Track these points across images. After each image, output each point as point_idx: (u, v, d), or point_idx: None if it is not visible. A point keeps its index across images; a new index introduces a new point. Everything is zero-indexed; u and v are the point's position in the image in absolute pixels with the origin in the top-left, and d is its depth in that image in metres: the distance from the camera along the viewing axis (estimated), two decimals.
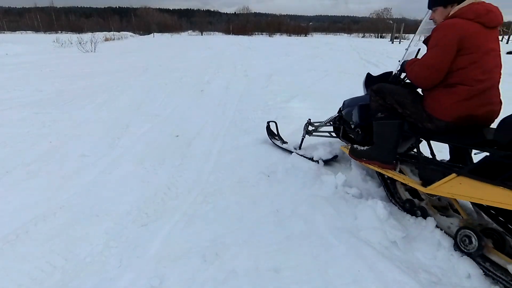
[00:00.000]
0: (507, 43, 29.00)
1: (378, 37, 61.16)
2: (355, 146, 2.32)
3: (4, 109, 4.48)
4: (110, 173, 2.67)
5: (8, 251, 1.74)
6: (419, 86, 1.87)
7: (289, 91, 5.94)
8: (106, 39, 26.97)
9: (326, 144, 2.95)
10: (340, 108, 2.68)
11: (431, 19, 1.89)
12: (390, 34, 36.01)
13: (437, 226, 1.78)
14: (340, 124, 2.70)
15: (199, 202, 2.23)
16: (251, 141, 3.42)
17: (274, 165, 2.78)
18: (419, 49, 2.16)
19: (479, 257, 1.51)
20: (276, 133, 3.37)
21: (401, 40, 32.96)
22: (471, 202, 1.65)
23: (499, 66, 1.69)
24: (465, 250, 1.57)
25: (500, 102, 1.71)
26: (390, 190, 2.14)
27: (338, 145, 2.83)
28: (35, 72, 8.05)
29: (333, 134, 2.91)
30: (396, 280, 1.45)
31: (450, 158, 1.96)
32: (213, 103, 5.15)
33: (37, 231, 1.90)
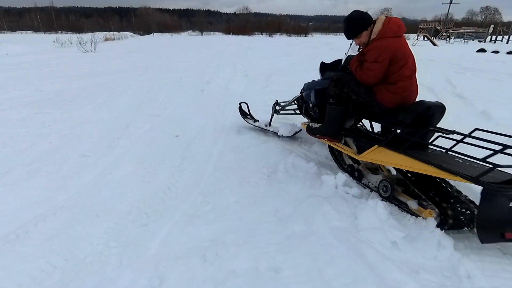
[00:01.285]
0: (507, 43, 29.00)
1: None
2: (310, 124, 2.84)
3: (4, 109, 4.48)
4: (110, 173, 2.67)
5: (8, 251, 1.73)
6: (364, 84, 2.31)
7: (289, 91, 5.93)
8: (106, 39, 26.98)
9: (290, 122, 3.51)
10: (301, 90, 3.18)
11: (357, 45, 2.40)
12: None
13: (369, 183, 2.36)
14: (302, 103, 3.22)
15: (199, 202, 2.23)
16: (251, 141, 3.42)
17: (274, 165, 2.79)
18: (351, 45, 2.66)
19: (393, 198, 2.11)
20: (248, 112, 3.90)
21: None
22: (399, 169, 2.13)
23: (415, 65, 2.26)
24: (384, 195, 2.17)
25: (417, 91, 2.31)
26: (335, 155, 2.79)
27: (300, 124, 3.30)
28: (35, 72, 8.05)
29: (297, 112, 3.45)
30: (396, 280, 1.45)
31: (381, 132, 2.46)
32: (213, 103, 5.15)
33: (37, 231, 1.90)
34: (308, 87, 3.03)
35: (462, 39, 36.72)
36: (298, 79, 7.35)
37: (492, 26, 33.72)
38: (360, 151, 2.37)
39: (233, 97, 5.49)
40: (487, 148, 1.68)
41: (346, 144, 2.59)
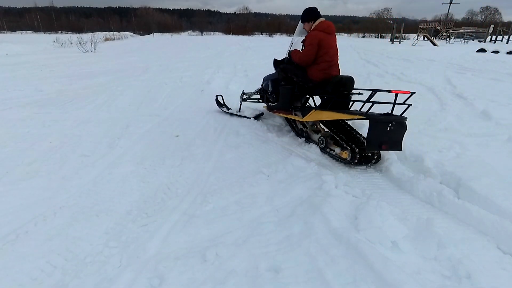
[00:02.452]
0: (507, 43, 29.01)
1: (378, 37, 61.14)
2: (269, 104, 3.94)
3: (4, 109, 4.48)
4: (110, 173, 2.67)
5: (8, 251, 1.73)
6: (301, 65, 3.27)
7: None
8: (106, 39, 26.99)
9: (255, 108, 4.51)
10: (261, 83, 4.17)
11: (304, 28, 3.38)
12: (390, 34, 35.98)
13: (313, 140, 3.33)
14: (263, 93, 4.20)
15: (199, 202, 2.23)
16: (251, 141, 3.43)
17: (274, 164, 2.78)
18: (291, 43, 3.74)
19: (327, 148, 3.04)
20: (222, 103, 4.79)
21: (401, 40, 32.96)
22: (322, 123, 3.25)
23: (337, 54, 3.23)
24: (321, 147, 3.12)
25: (339, 71, 3.26)
26: (292, 125, 3.76)
27: (262, 108, 4.36)
28: (35, 72, 8.05)
29: (260, 100, 4.43)
30: (396, 280, 1.45)
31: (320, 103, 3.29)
32: (213, 103, 5.16)
33: (37, 231, 1.90)
34: (265, 79, 4.05)
35: (462, 39, 36.71)
36: None
37: (492, 26, 33.73)
38: (303, 116, 3.30)
39: (233, 97, 5.49)
40: (380, 102, 2.59)
41: (296, 115, 3.51)
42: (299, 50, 3.36)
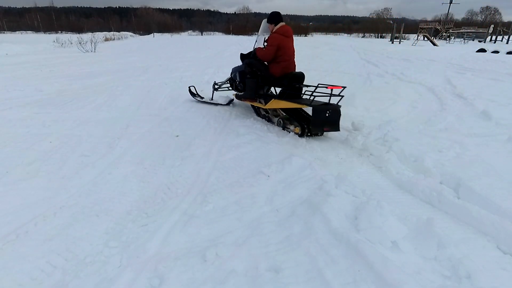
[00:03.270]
0: (507, 43, 29.00)
1: (378, 37, 61.13)
2: (238, 93, 4.64)
3: (4, 109, 4.48)
4: (110, 173, 2.67)
5: (8, 251, 1.73)
6: (264, 61, 4.05)
7: None
8: (106, 39, 26.99)
9: (226, 96, 5.12)
10: (230, 73, 4.80)
11: (270, 29, 4.04)
12: (390, 34, 36.00)
13: (274, 122, 4.09)
14: (232, 82, 4.80)
15: (199, 202, 2.23)
16: (251, 141, 3.43)
17: (274, 164, 2.78)
18: (256, 41, 4.55)
19: (284, 127, 3.82)
20: (196, 93, 5.34)
21: (401, 40, 32.95)
22: (281, 109, 3.94)
23: (293, 54, 4.01)
24: (280, 126, 3.91)
25: (295, 67, 4.06)
26: (257, 110, 4.51)
27: (231, 96, 4.97)
28: (35, 72, 8.05)
29: (230, 88, 5.03)
30: (396, 280, 1.45)
31: (279, 93, 4.07)
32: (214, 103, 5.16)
33: (37, 231, 1.90)
34: (234, 70, 4.68)
35: (462, 39, 36.71)
36: None
37: (492, 26, 33.73)
38: (266, 103, 4.02)
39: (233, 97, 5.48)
40: (323, 93, 3.42)
41: (260, 102, 4.25)
42: (262, 48, 4.04)
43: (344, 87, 3.43)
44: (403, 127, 3.73)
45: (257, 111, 4.49)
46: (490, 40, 32.70)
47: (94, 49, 15.28)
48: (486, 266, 1.61)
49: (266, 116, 4.24)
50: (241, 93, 4.47)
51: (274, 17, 3.95)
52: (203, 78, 7.28)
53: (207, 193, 2.35)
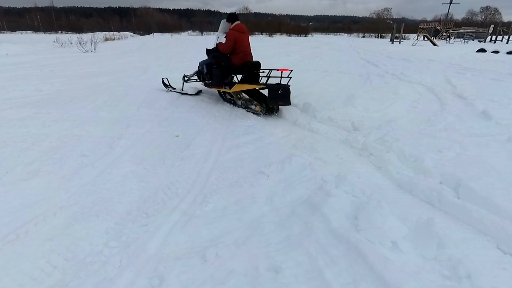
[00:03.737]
0: (507, 43, 29.00)
1: (378, 37, 61.14)
2: (206, 82, 5.35)
3: (4, 109, 4.47)
4: (110, 173, 2.67)
5: (8, 251, 1.73)
6: (224, 53, 4.70)
7: None
8: (106, 39, 26.98)
9: (194, 87, 5.73)
10: (198, 67, 5.50)
11: (229, 27, 4.77)
12: (390, 34, 35.99)
13: (238, 104, 4.84)
14: (200, 74, 5.54)
15: (199, 202, 2.23)
16: (251, 141, 3.43)
17: (274, 164, 2.78)
18: (218, 37, 5.22)
19: (247, 107, 4.64)
20: (168, 84, 5.99)
21: (401, 40, 32.94)
22: (243, 92, 4.73)
23: (249, 46, 4.78)
24: (243, 107, 4.71)
25: (252, 57, 4.82)
26: (222, 96, 5.24)
27: (200, 86, 5.82)
28: (35, 72, 8.05)
29: (198, 80, 5.75)
30: (396, 280, 1.45)
31: (241, 78, 4.83)
32: (214, 102, 5.16)
33: (37, 231, 1.90)
34: (201, 63, 5.38)
35: (462, 39, 36.70)
36: (298, 79, 7.35)
37: (492, 26, 33.73)
38: (230, 87, 4.70)
39: None
40: (275, 76, 4.16)
41: (225, 88, 4.90)
42: (222, 43, 4.70)
43: (291, 70, 4.37)
44: (403, 127, 3.73)
45: (223, 97, 5.22)
46: (490, 40, 32.70)
47: (94, 49, 15.27)
48: (486, 266, 1.61)
49: (232, 100, 4.96)
50: (209, 82, 5.19)
51: (231, 17, 4.77)
52: None
53: (207, 193, 2.35)
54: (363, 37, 64.81)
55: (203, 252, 1.70)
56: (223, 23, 5.12)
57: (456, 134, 3.56)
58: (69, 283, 1.53)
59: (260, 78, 4.68)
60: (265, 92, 4.33)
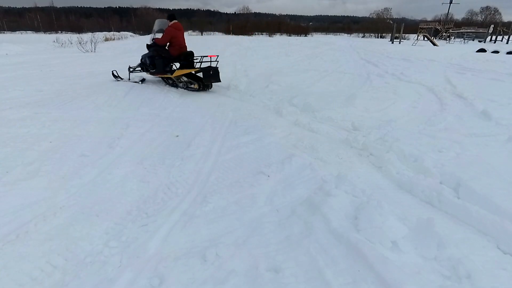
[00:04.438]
0: (507, 43, 29.00)
1: (378, 37, 61.15)
2: (150, 71, 6.43)
3: (4, 109, 4.47)
4: (110, 173, 2.67)
5: (8, 251, 1.73)
6: (161, 45, 6.08)
7: (289, 91, 5.94)
8: (106, 39, 26.96)
9: (139, 76, 6.79)
10: (140, 59, 6.61)
11: (168, 24, 6.11)
12: (390, 34, 36.00)
13: (179, 86, 6.27)
14: (143, 65, 6.59)
15: (199, 202, 2.23)
16: (250, 141, 3.43)
17: (274, 164, 2.78)
18: (155, 34, 6.42)
19: (187, 87, 6.15)
20: (117, 75, 6.88)
21: (401, 40, 32.95)
22: (183, 76, 6.14)
23: (184, 40, 6.26)
24: (184, 87, 6.18)
25: (186, 48, 6.30)
26: (166, 81, 6.49)
27: (147, 76, 6.87)
28: (35, 72, 8.04)
29: (141, 71, 6.78)
30: (396, 280, 1.45)
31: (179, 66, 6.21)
32: (213, 103, 5.16)
33: (37, 231, 1.90)
34: (143, 56, 6.44)
35: (462, 39, 36.70)
36: (298, 79, 7.35)
37: (492, 26, 33.74)
38: (171, 73, 5.99)
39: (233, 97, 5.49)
40: (205, 61, 5.82)
41: (168, 74, 6.07)
42: (159, 38, 5.97)
43: (218, 55, 6.01)
44: (403, 127, 3.74)
45: (167, 81, 6.44)
46: (490, 40, 32.72)
47: (94, 49, 15.26)
48: (486, 266, 1.61)
49: (174, 83, 6.24)
50: (153, 71, 6.32)
51: (170, 17, 6.13)
52: None
53: (207, 193, 2.35)
54: (363, 37, 64.80)
55: (203, 252, 1.70)
56: (159, 21, 6.50)
57: (456, 134, 3.56)
58: (69, 283, 1.53)
59: (195, 64, 5.99)
60: (200, 75, 5.78)
